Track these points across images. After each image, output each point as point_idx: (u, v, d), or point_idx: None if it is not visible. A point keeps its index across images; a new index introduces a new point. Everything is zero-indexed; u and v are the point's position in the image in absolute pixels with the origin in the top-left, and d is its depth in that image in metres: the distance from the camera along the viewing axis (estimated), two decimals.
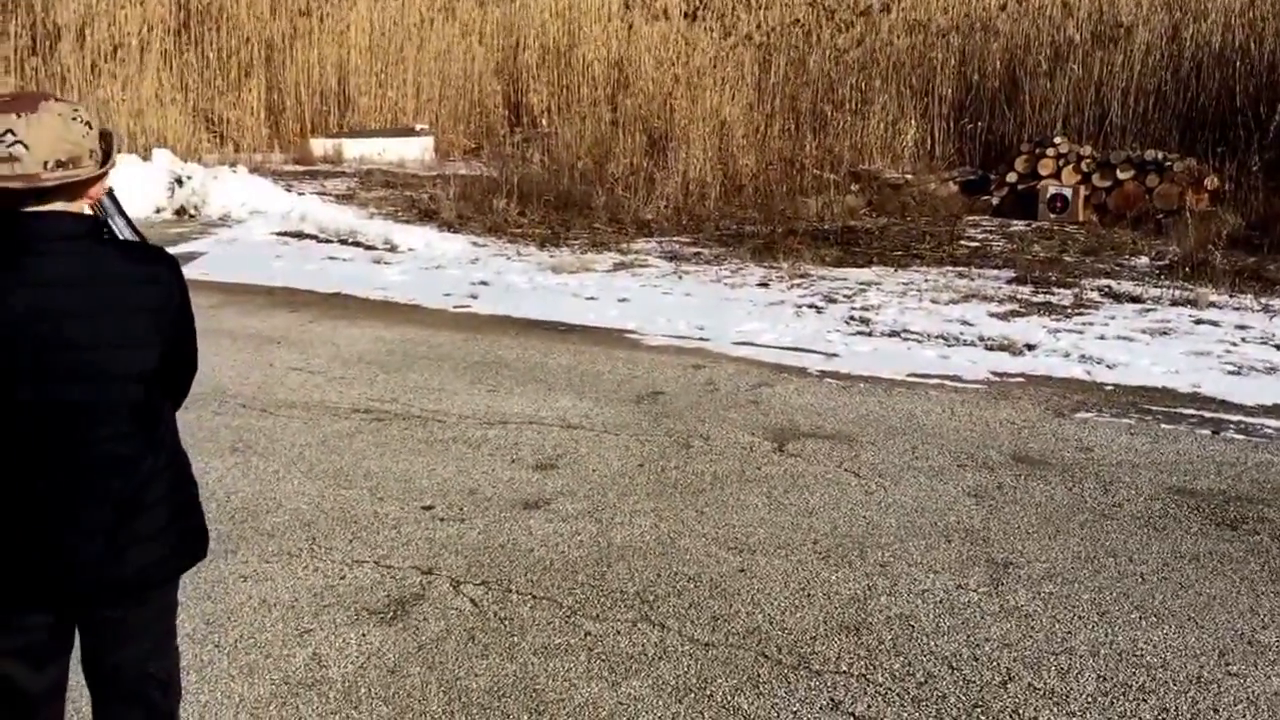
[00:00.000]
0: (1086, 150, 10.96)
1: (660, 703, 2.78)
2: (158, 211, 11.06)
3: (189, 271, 7.87)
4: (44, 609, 1.83)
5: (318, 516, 3.88)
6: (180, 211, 11.02)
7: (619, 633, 3.11)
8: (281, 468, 4.33)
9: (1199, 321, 6.96)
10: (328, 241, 9.67)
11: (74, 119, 1.67)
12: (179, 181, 11.16)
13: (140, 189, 11.12)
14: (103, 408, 1.78)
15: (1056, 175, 10.92)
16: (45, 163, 1.61)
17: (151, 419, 1.87)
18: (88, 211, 1.76)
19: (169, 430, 1.93)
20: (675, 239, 9.88)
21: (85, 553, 1.80)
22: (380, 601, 3.27)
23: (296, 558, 3.56)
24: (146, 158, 11.72)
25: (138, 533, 1.84)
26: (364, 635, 3.08)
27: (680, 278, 8.31)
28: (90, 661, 1.93)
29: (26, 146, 1.59)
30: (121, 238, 1.97)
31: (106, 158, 1.73)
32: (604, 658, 2.98)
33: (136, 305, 1.77)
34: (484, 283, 8.07)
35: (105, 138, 1.75)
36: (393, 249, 9.31)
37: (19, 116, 1.60)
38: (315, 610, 3.22)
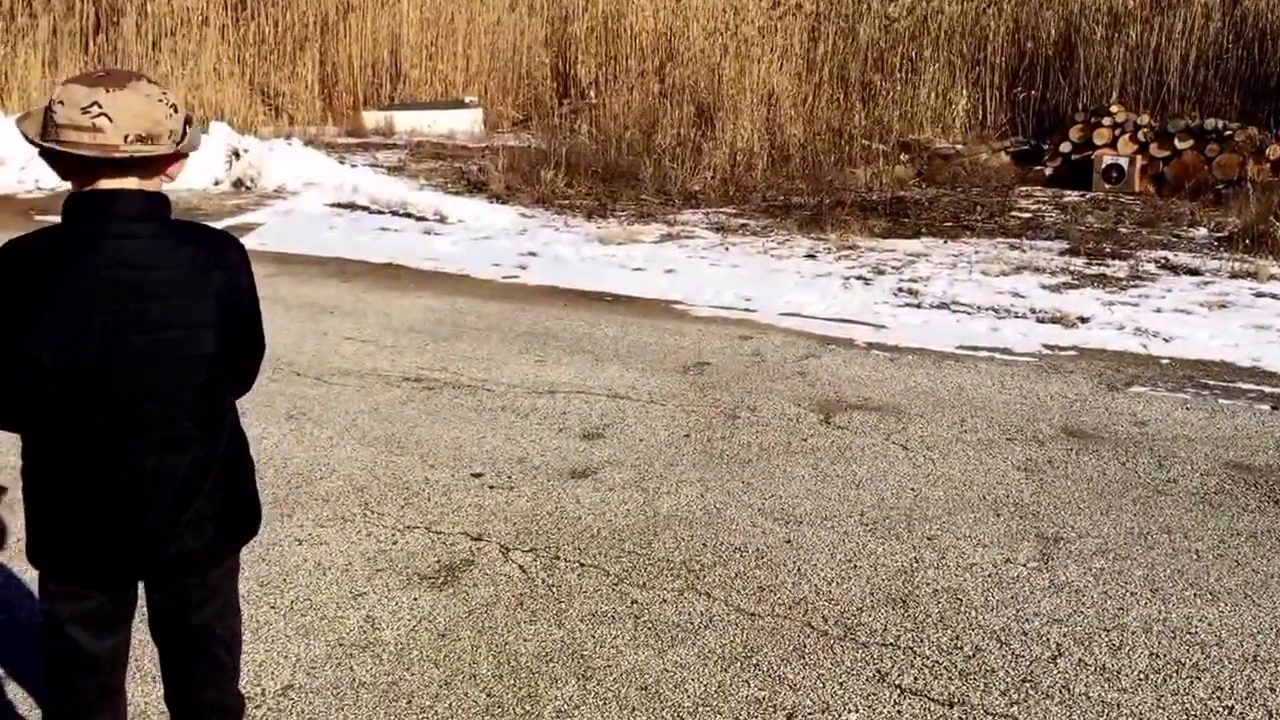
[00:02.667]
0: (1144, 119, 10.66)
1: (706, 671, 2.81)
2: (216, 184, 11.27)
3: (247, 242, 8.07)
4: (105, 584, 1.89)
5: (370, 482, 3.96)
6: (238, 183, 11.21)
7: (665, 601, 3.15)
8: (335, 434, 4.43)
9: (1259, 294, 6.78)
10: (379, 213, 9.77)
11: (160, 100, 1.72)
12: (236, 154, 11.35)
13: (199, 161, 11.34)
14: (165, 390, 1.81)
15: (1112, 145, 10.65)
16: (125, 135, 1.66)
17: (214, 402, 1.90)
18: (162, 190, 1.80)
19: (230, 413, 1.96)
20: (722, 210, 9.83)
21: (144, 533, 1.84)
22: (431, 566, 3.34)
23: (350, 522, 3.64)
24: (205, 130, 11.91)
25: (196, 513, 1.87)
26: (415, 599, 3.15)
27: (727, 249, 8.27)
28: (157, 622, 2.00)
29: (110, 119, 1.64)
30: None
31: (183, 137, 1.77)
32: (650, 625, 3.02)
33: (203, 288, 1.78)
34: (532, 253, 8.11)
35: (189, 122, 1.80)
36: (442, 220, 9.38)
37: (108, 91, 1.66)
38: (368, 574, 3.30)
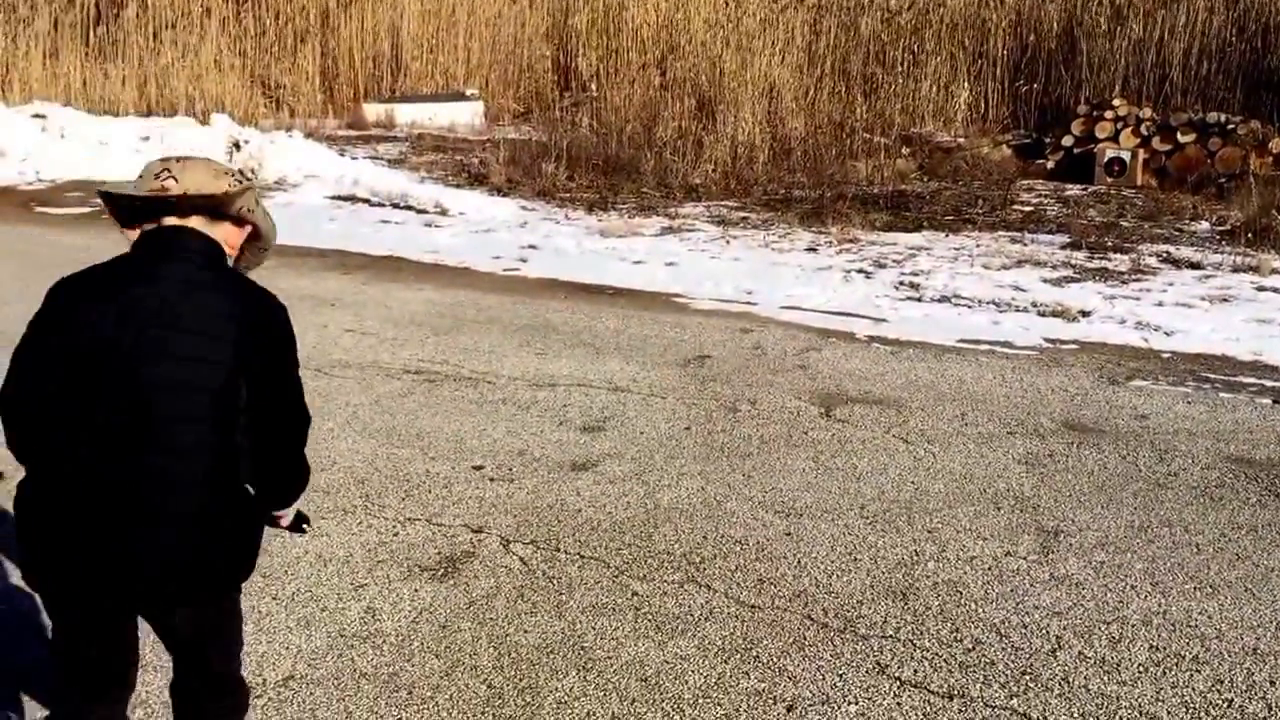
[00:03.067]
0: (1146, 112, 10.64)
1: (706, 663, 2.81)
2: None
3: None
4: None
5: (371, 474, 3.97)
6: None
7: (666, 593, 3.15)
8: (336, 426, 4.43)
9: (1261, 288, 6.77)
10: (380, 205, 9.77)
11: (225, 173, 1.97)
12: (237, 146, 11.33)
13: (199, 153, 11.33)
14: (172, 414, 1.82)
15: (1114, 138, 10.63)
16: (185, 191, 1.91)
17: (219, 447, 1.87)
18: (219, 238, 1.96)
19: (236, 462, 1.91)
20: (723, 203, 9.82)
21: (126, 560, 1.83)
22: (432, 558, 3.35)
23: (351, 514, 3.65)
24: (206, 122, 11.91)
25: (183, 533, 1.85)
26: (416, 590, 3.16)
27: (728, 242, 8.26)
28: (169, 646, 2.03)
29: (176, 180, 1.92)
30: None
31: (238, 200, 1.96)
32: (651, 617, 3.02)
33: (229, 334, 1.86)
34: (533, 246, 8.10)
35: (254, 196, 2.00)
36: (443, 212, 9.37)
37: (178, 162, 1.96)
38: (369, 566, 3.30)
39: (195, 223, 1.92)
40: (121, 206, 1.96)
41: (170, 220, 1.91)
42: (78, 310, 1.88)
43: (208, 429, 1.85)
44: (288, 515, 2.10)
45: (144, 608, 1.92)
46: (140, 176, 1.94)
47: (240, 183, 1.96)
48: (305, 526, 2.18)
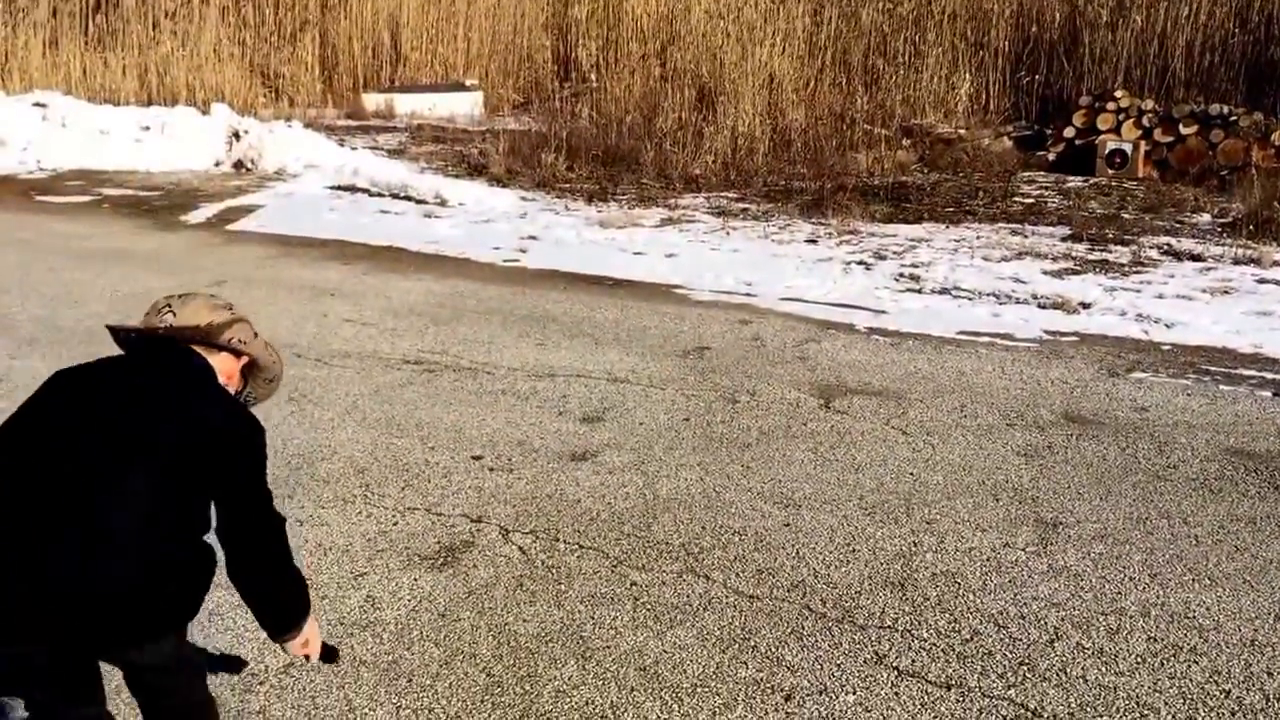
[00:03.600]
0: (1148, 104, 10.62)
1: (705, 652, 2.82)
2: (217, 165, 11.25)
3: (248, 224, 8.03)
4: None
5: (371, 464, 3.97)
6: (238, 165, 11.18)
7: (664, 583, 3.16)
8: (336, 416, 4.43)
9: (1262, 281, 6.76)
10: (379, 195, 9.75)
11: (222, 307, 2.11)
12: (236, 135, 11.32)
13: (200, 142, 11.32)
14: (113, 480, 1.83)
15: (1116, 130, 10.61)
16: (172, 326, 2.05)
17: (175, 512, 1.88)
18: (216, 366, 2.06)
19: (185, 537, 1.90)
20: (723, 194, 9.81)
21: (46, 604, 1.80)
22: (431, 548, 3.35)
23: (351, 504, 3.65)
24: (206, 112, 11.89)
25: (110, 568, 1.82)
26: (416, 580, 3.16)
27: (728, 233, 8.25)
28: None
29: (175, 314, 2.06)
30: None
31: (226, 331, 2.08)
32: (649, 607, 3.03)
33: (191, 442, 1.90)
34: (533, 237, 8.09)
35: (246, 330, 2.11)
36: (443, 203, 9.36)
37: (179, 299, 2.10)
38: (369, 555, 3.31)
39: (196, 346, 2.05)
40: (122, 340, 2.10)
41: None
42: (55, 387, 1.97)
43: (143, 518, 1.84)
44: (310, 644, 2.07)
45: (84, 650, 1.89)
46: (145, 313, 2.10)
47: (231, 315, 2.09)
48: (336, 658, 2.19)
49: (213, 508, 1.96)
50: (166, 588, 1.88)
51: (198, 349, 2.04)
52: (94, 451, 1.85)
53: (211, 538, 1.97)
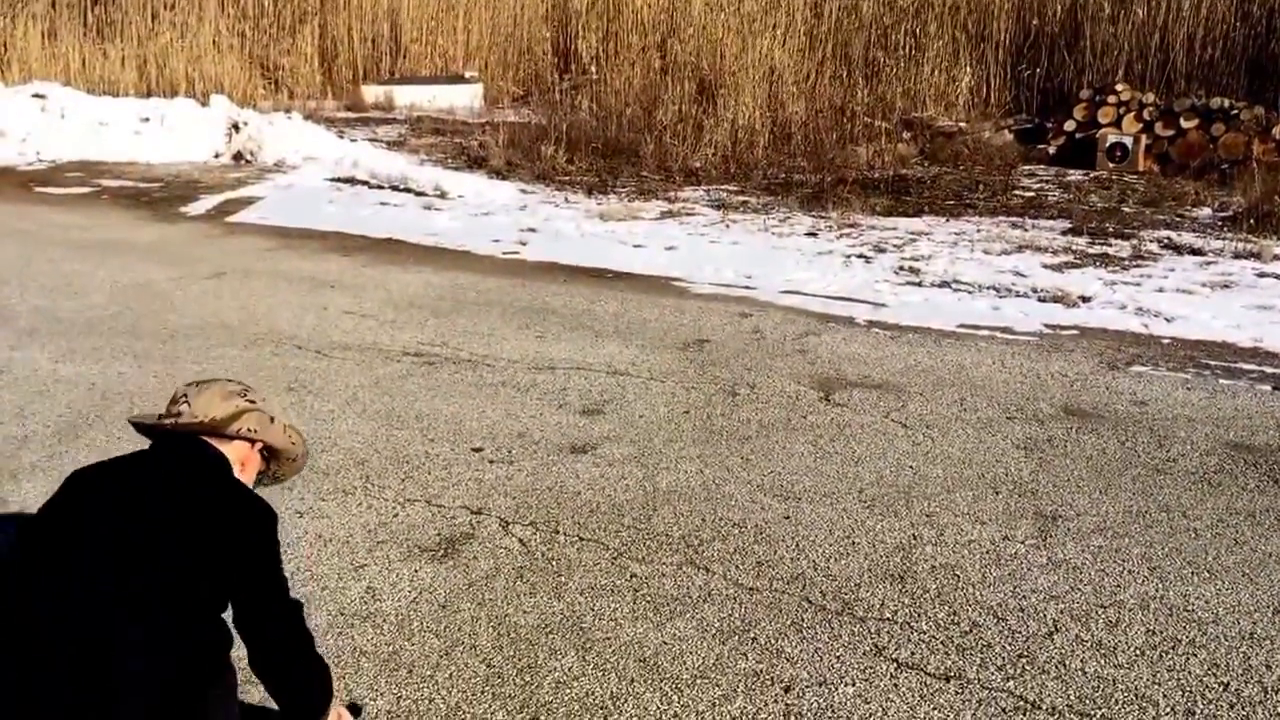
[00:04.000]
0: (1149, 98, 10.60)
1: (704, 644, 2.83)
2: (216, 156, 11.23)
3: (248, 215, 8.02)
4: None
5: (371, 455, 3.97)
6: (237, 156, 11.17)
7: (664, 575, 3.16)
8: (336, 408, 4.43)
9: (1262, 275, 6.76)
10: (379, 187, 9.74)
11: (236, 395, 2.16)
12: (236, 127, 11.30)
13: (200, 134, 11.30)
14: (104, 609, 1.81)
15: (1117, 123, 10.60)
16: (195, 417, 2.11)
17: (171, 641, 1.84)
18: (230, 455, 2.11)
19: (192, 657, 1.87)
20: (723, 187, 9.80)
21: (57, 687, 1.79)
22: (431, 539, 3.36)
23: (351, 495, 3.65)
24: (205, 104, 11.87)
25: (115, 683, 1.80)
26: (416, 571, 3.17)
27: (728, 226, 8.25)
28: None
29: (189, 404, 2.12)
30: None
31: (235, 423, 2.12)
32: (649, 599, 3.03)
33: (201, 538, 1.92)
34: (532, 229, 8.08)
35: (257, 418, 2.14)
36: (443, 195, 9.35)
37: (195, 387, 2.16)
38: (369, 546, 3.31)
39: (207, 439, 2.10)
40: (145, 431, 2.16)
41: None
42: (72, 496, 1.99)
43: (160, 628, 1.84)
44: None
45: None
46: (168, 401, 2.17)
47: (241, 405, 2.13)
48: (360, 714, 2.21)
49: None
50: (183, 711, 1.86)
51: (211, 440, 2.10)
52: (109, 584, 1.83)
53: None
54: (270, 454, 2.21)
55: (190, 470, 2.04)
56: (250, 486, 2.15)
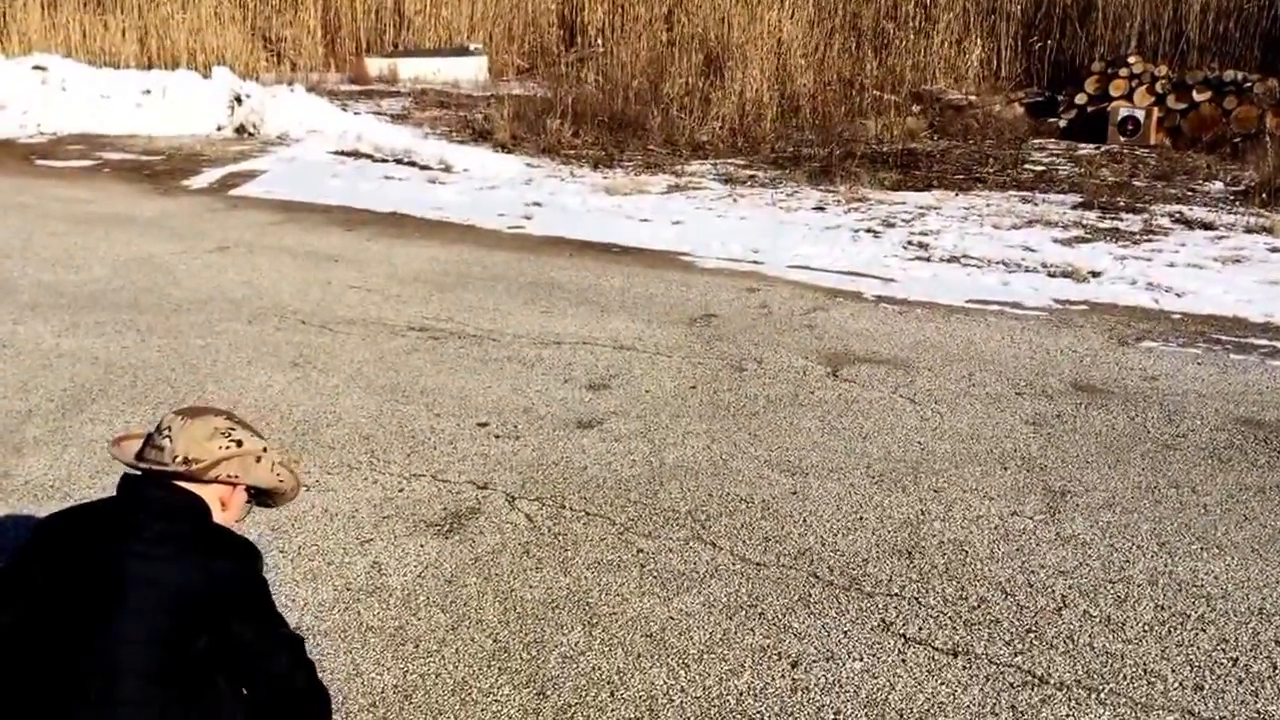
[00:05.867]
0: (1161, 70, 10.47)
1: (711, 619, 2.82)
2: (219, 129, 11.16)
3: (251, 189, 7.96)
4: None
5: (376, 431, 3.96)
6: (240, 129, 11.10)
7: (671, 550, 3.15)
8: (341, 383, 4.41)
9: (1274, 249, 6.70)
10: (383, 161, 9.68)
11: (221, 434, 2.02)
12: (238, 100, 11.22)
13: (202, 107, 11.22)
14: (82, 683, 1.77)
15: (1128, 96, 10.47)
16: (176, 456, 1.98)
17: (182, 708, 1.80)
18: (207, 498, 1.99)
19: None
20: (730, 161, 9.72)
21: None
22: (437, 514, 3.35)
23: (356, 470, 3.64)
24: (207, 76, 11.77)
25: None
26: (422, 546, 3.16)
27: (735, 200, 8.19)
28: None
29: (171, 440, 1.98)
30: None
31: (212, 471, 1.99)
32: (656, 574, 3.02)
33: (167, 604, 1.82)
34: (538, 204, 8.03)
35: (239, 464, 2.02)
36: (447, 169, 9.29)
37: (181, 420, 2.02)
38: (375, 521, 3.30)
39: (181, 481, 1.97)
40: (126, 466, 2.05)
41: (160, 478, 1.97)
42: (44, 565, 1.89)
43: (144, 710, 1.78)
44: None
45: None
46: (156, 426, 2.05)
47: (222, 450, 2.00)
48: None
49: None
50: None
51: (186, 486, 1.97)
52: (93, 671, 1.77)
53: None
54: (257, 491, 2.11)
55: (168, 523, 1.91)
56: (234, 521, 2.06)
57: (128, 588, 1.81)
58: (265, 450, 2.07)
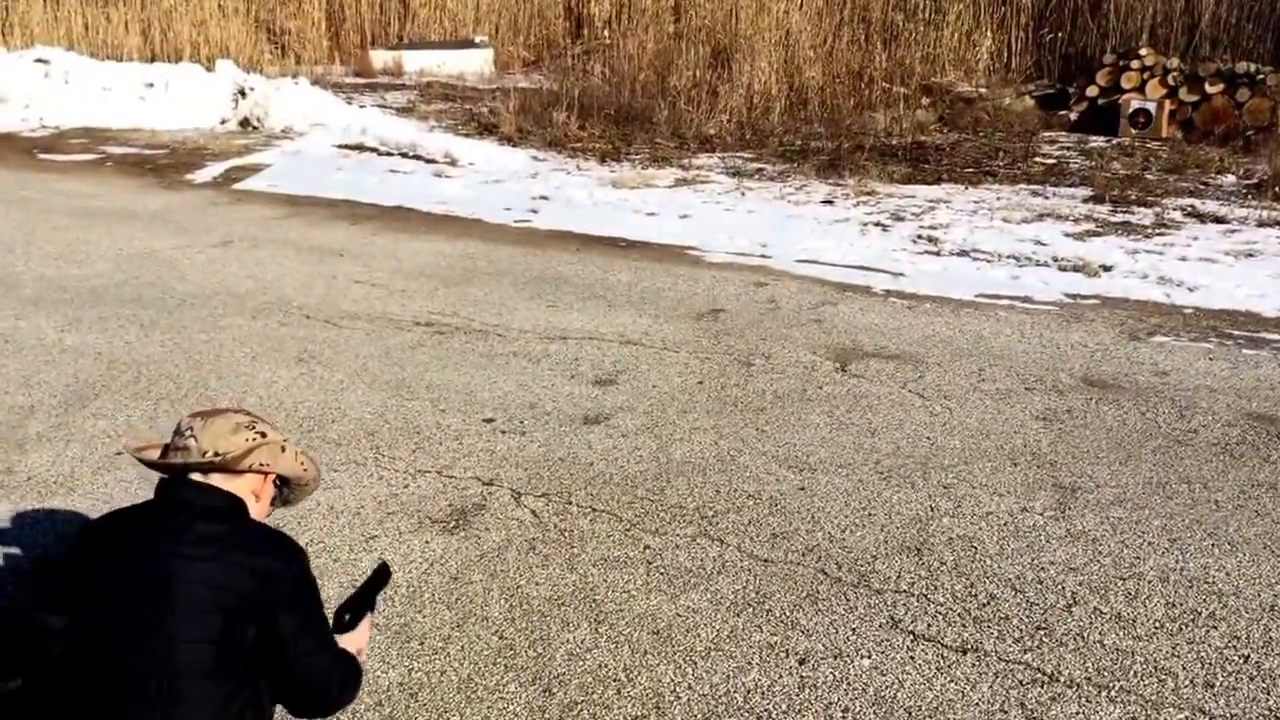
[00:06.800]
0: (1174, 62, 10.38)
1: (718, 616, 2.80)
2: (222, 122, 11.14)
3: (255, 183, 7.95)
4: None
5: (381, 426, 3.94)
6: (244, 123, 11.08)
7: (678, 547, 3.13)
8: (346, 378, 4.40)
9: None
10: (388, 154, 9.66)
11: (245, 427, 2.05)
12: (242, 93, 11.20)
13: (205, 100, 11.21)
14: (145, 682, 1.81)
15: (1140, 89, 10.39)
16: (204, 452, 1.99)
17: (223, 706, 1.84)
18: (241, 493, 2.02)
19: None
20: (738, 154, 9.67)
21: None
22: (443, 511, 3.33)
23: (362, 466, 3.63)
24: (210, 69, 11.76)
25: None
26: (427, 542, 3.14)
27: (743, 194, 8.14)
28: None
29: (195, 439, 2.01)
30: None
31: (245, 460, 2.02)
32: (663, 571, 3.00)
33: (217, 601, 1.86)
34: (544, 197, 8.00)
35: (268, 452, 2.05)
36: (453, 162, 9.27)
37: (201, 420, 2.05)
38: (380, 517, 3.29)
39: (216, 479, 2.00)
40: (151, 465, 2.08)
41: (194, 476, 2.00)
42: (93, 569, 1.93)
43: (201, 703, 1.83)
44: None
45: None
46: (173, 432, 2.07)
47: (251, 441, 2.03)
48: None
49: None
50: None
51: (219, 479, 2.00)
52: (149, 666, 1.82)
53: None
54: (281, 481, 2.16)
55: (206, 524, 1.95)
56: (265, 515, 2.10)
57: (176, 589, 1.85)
58: (286, 440, 2.12)
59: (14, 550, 3.06)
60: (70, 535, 2.10)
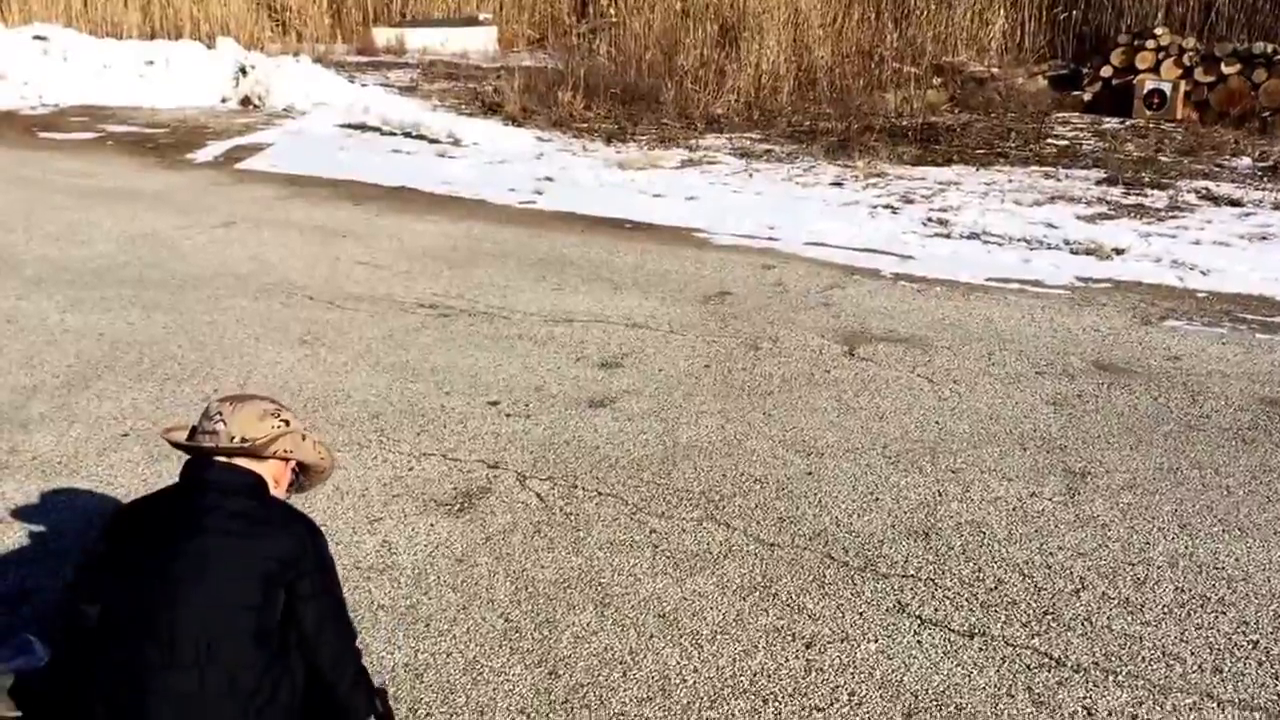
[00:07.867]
0: (1189, 42, 10.26)
1: (724, 600, 2.78)
2: (223, 101, 11.09)
3: (257, 162, 7.90)
4: None
5: (385, 409, 3.92)
6: (245, 101, 11.02)
7: (684, 531, 3.11)
8: (350, 360, 4.38)
9: None
10: (391, 134, 9.61)
11: (271, 415, 2.19)
12: (243, 71, 11.13)
13: (206, 78, 11.15)
14: (179, 654, 1.89)
15: (1155, 69, 10.28)
16: (233, 437, 2.13)
17: (256, 672, 1.92)
18: (266, 473, 2.15)
19: (275, 694, 1.95)
20: (746, 135, 9.60)
21: None
22: (448, 493, 3.31)
23: (366, 448, 3.61)
24: (211, 46, 11.69)
25: None
26: (432, 525, 3.13)
27: (750, 175, 8.08)
28: None
29: (225, 423, 2.14)
30: None
31: (271, 446, 2.15)
32: (669, 554, 2.98)
33: (254, 569, 1.98)
34: (549, 178, 7.95)
35: (291, 440, 2.19)
36: (456, 143, 9.21)
37: (230, 405, 2.18)
38: (385, 500, 3.27)
39: (241, 462, 2.13)
40: (181, 447, 2.20)
41: (220, 458, 2.13)
42: (126, 550, 2.03)
43: (238, 667, 1.92)
44: None
45: None
46: (201, 415, 2.20)
47: (277, 428, 2.17)
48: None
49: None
50: None
51: (245, 461, 2.13)
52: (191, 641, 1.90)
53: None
54: (300, 468, 2.29)
55: (236, 501, 2.07)
56: (284, 499, 2.21)
57: (212, 559, 1.96)
58: (306, 430, 2.25)
59: (35, 529, 3.06)
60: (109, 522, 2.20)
